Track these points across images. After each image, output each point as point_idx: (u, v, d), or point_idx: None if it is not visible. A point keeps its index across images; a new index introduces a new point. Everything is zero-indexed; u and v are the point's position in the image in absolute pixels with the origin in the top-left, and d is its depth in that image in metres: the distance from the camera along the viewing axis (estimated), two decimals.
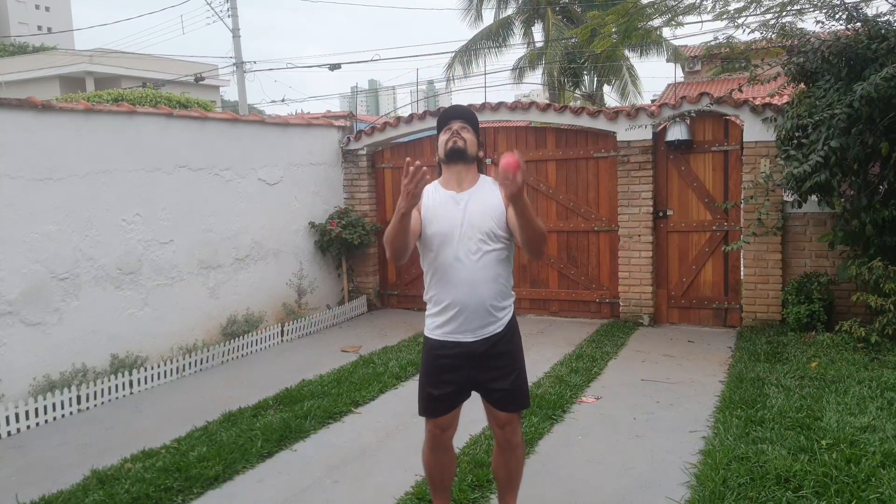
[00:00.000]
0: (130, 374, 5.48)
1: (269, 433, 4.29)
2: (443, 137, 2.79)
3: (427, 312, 2.81)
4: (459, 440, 4.04)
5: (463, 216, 2.68)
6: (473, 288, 2.66)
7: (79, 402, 5.09)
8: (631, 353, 6.15)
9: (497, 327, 2.73)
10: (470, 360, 2.73)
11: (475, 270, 2.66)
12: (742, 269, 6.89)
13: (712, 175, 6.98)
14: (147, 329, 5.87)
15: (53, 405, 4.92)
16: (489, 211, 2.68)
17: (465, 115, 2.84)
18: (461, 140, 2.74)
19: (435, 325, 2.76)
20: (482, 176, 2.82)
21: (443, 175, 2.82)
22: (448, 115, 2.84)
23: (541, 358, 5.95)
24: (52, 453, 4.31)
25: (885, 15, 5.88)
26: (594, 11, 10.48)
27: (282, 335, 7.06)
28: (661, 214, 7.18)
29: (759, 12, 6.72)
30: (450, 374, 2.75)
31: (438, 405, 2.80)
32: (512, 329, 2.81)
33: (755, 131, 6.64)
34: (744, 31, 6.60)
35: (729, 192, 6.91)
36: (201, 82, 22.32)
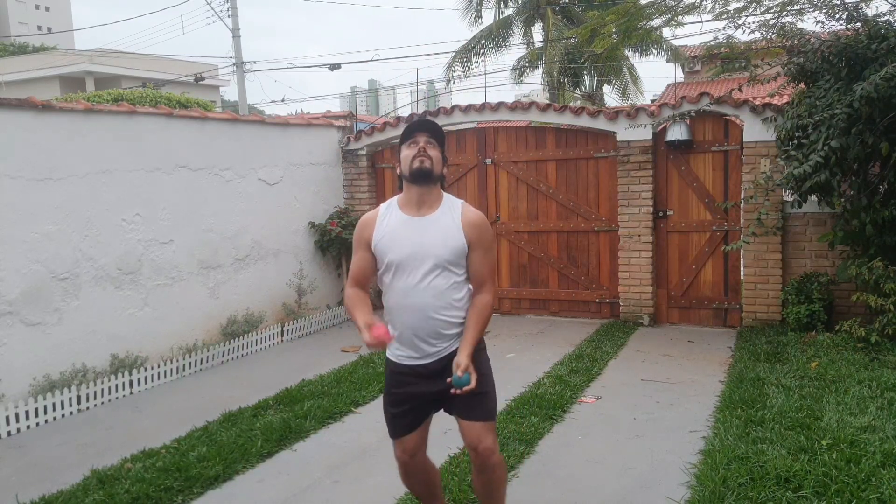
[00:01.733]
0: (130, 374, 5.49)
1: (269, 433, 4.29)
2: (408, 152, 2.63)
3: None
4: (459, 440, 4.03)
5: (419, 242, 2.59)
6: (426, 314, 2.60)
7: (79, 402, 5.09)
8: (631, 353, 6.15)
9: (451, 346, 2.65)
10: (428, 377, 2.66)
11: (427, 297, 2.59)
12: (742, 269, 6.89)
13: (712, 175, 6.98)
14: (147, 329, 5.87)
15: (53, 405, 4.92)
16: (446, 240, 2.60)
17: (431, 129, 2.69)
18: (428, 160, 2.60)
19: (394, 347, 2.70)
20: (445, 196, 2.70)
21: (403, 192, 2.69)
22: (414, 128, 2.67)
23: (541, 358, 5.95)
24: (52, 453, 4.31)
25: (885, 15, 5.88)
26: (594, 11, 10.48)
27: (282, 335, 7.06)
28: (661, 214, 7.18)
29: (759, 12, 6.74)
30: (408, 388, 2.69)
31: (400, 422, 2.73)
32: (477, 350, 2.67)
33: (755, 131, 6.64)
34: (744, 31, 6.61)
35: (729, 192, 6.91)
36: (201, 82, 22.33)
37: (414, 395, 2.70)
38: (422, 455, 2.81)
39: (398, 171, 2.70)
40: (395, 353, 2.72)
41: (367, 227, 2.69)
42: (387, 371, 2.78)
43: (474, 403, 2.64)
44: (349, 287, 2.74)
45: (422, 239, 2.59)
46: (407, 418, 2.73)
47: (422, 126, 2.69)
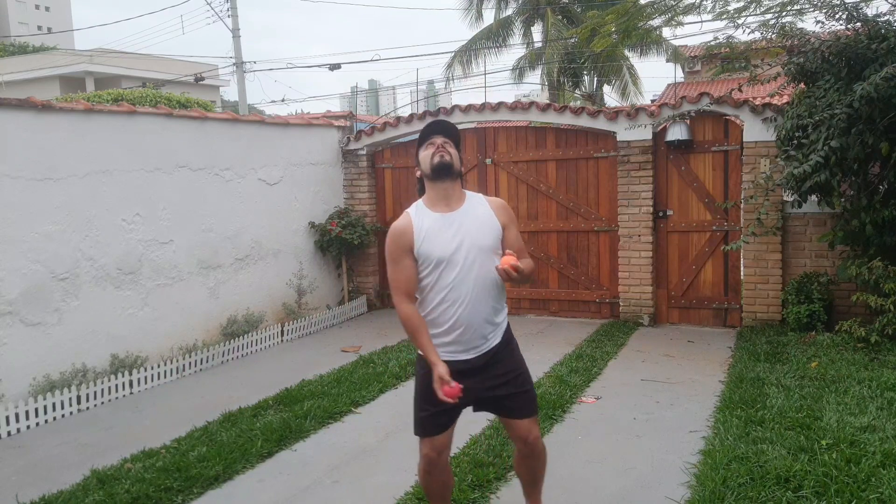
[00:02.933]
0: (130, 374, 5.48)
1: (269, 433, 4.29)
2: (426, 153, 2.71)
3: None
4: (459, 440, 4.05)
5: (460, 236, 2.65)
6: (475, 306, 2.66)
7: (79, 402, 5.09)
8: (631, 353, 6.15)
9: (495, 339, 2.74)
10: (469, 374, 2.68)
11: (477, 288, 2.65)
12: (742, 269, 6.89)
13: (712, 175, 6.98)
14: (147, 329, 5.87)
15: (53, 405, 4.92)
16: (484, 227, 2.69)
17: (447, 129, 2.78)
18: (447, 155, 2.68)
19: (436, 345, 2.68)
20: (467, 192, 2.80)
21: (427, 193, 2.75)
22: (430, 131, 2.76)
23: (541, 358, 5.95)
24: (52, 453, 4.31)
25: (885, 15, 5.88)
26: (594, 11, 10.49)
27: (282, 335, 7.06)
28: (661, 214, 7.18)
29: (759, 12, 6.73)
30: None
31: (437, 420, 2.72)
32: (508, 337, 2.81)
33: (755, 131, 6.64)
34: (744, 31, 6.61)
35: (729, 192, 6.91)
36: (201, 82, 22.33)
37: None
38: (447, 454, 2.82)
39: (418, 173, 2.77)
40: (441, 350, 2.68)
41: (405, 234, 2.68)
42: (423, 367, 2.71)
43: (520, 404, 2.76)
44: (405, 304, 2.69)
45: (463, 231, 2.66)
46: (443, 417, 2.73)
47: (438, 127, 2.78)
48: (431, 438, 2.73)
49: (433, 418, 2.72)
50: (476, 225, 2.69)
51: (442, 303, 2.66)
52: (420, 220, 2.69)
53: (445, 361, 2.63)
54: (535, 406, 2.83)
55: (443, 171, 2.67)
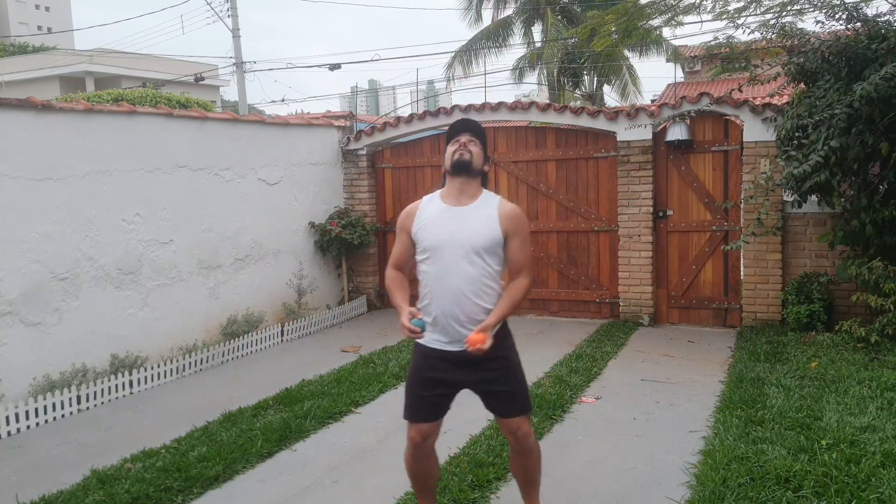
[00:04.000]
0: (130, 374, 5.48)
1: (269, 433, 4.28)
2: (450, 149, 2.84)
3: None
4: (459, 440, 4.05)
5: (456, 230, 2.74)
6: (457, 300, 2.72)
7: (79, 402, 5.08)
8: (631, 353, 6.15)
9: None
10: (460, 364, 2.76)
11: (460, 282, 2.72)
12: (742, 269, 6.89)
13: (712, 175, 6.98)
14: (147, 329, 5.87)
15: (53, 405, 4.92)
16: (483, 229, 2.75)
17: (474, 128, 2.89)
18: (468, 153, 2.79)
19: (427, 331, 2.78)
20: (485, 192, 2.88)
21: (446, 186, 2.88)
22: (457, 128, 2.89)
23: (541, 358, 5.95)
24: (52, 453, 4.31)
25: (885, 15, 5.88)
26: (594, 11, 10.48)
27: (282, 335, 7.06)
28: (661, 214, 7.18)
29: (759, 12, 6.73)
30: (440, 374, 2.79)
31: (425, 406, 2.83)
32: (502, 335, 2.84)
33: (755, 131, 6.64)
34: (744, 31, 6.61)
35: (729, 192, 6.91)
36: (201, 82, 22.32)
37: (443, 381, 2.80)
38: (433, 441, 2.90)
39: (443, 169, 2.91)
40: (428, 338, 2.79)
41: (409, 217, 2.88)
42: (417, 354, 2.86)
43: (507, 403, 2.83)
44: (390, 269, 2.93)
45: (459, 226, 2.75)
46: (432, 403, 2.83)
47: (464, 126, 2.90)
48: (418, 424, 2.83)
49: (420, 402, 2.83)
50: (475, 224, 2.75)
51: (431, 291, 2.78)
52: (427, 207, 2.85)
53: (434, 350, 2.78)
54: (522, 406, 2.86)
55: (460, 168, 2.79)
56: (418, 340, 2.80)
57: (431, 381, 2.80)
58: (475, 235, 2.72)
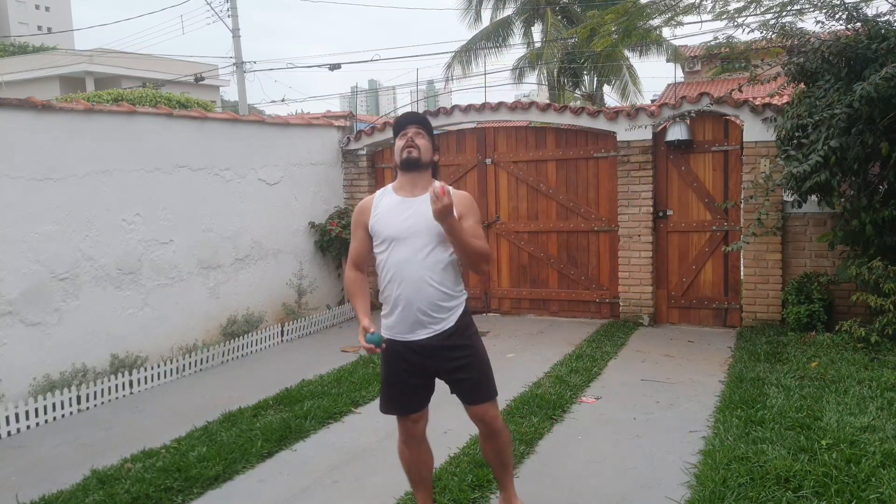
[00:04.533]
0: (130, 374, 5.48)
1: (269, 433, 4.29)
2: (399, 143, 2.89)
3: (381, 313, 2.94)
4: (459, 440, 4.05)
5: (413, 219, 2.80)
6: (420, 287, 2.78)
7: (79, 402, 5.09)
8: (631, 353, 6.15)
9: (447, 323, 2.84)
10: (423, 354, 2.84)
11: (421, 270, 2.78)
12: (742, 269, 6.89)
13: (712, 175, 6.98)
14: (147, 329, 5.87)
15: (53, 405, 4.92)
16: None
17: (419, 120, 2.95)
18: (416, 150, 2.84)
19: (387, 326, 2.88)
20: (435, 182, 2.86)
21: (398, 179, 2.94)
22: (403, 122, 2.94)
23: (541, 358, 5.95)
24: (52, 453, 4.31)
25: (885, 15, 5.88)
26: (594, 11, 10.49)
27: (282, 335, 7.06)
28: (661, 214, 7.18)
29: (759, 12, 6.73)
30: (405, 367, 2.87)
31: (404, 398, 2.91)
32: (465, 323, 2.90)
33: (755, 131, 6.64)
34: (744, 31, 6.60)
35: (729, 192, 6.91)
36: (201, 82, 22.32)
37: (414, 371, 2.86)
38: (422, 429, 2.98)
39: (393, 163, 2.97)
40: (391, 332, 2.86)
41: (363, 211, 2.94)
42: (384, 351, 2.88)
43: (472, 389, 2.90)
44: (349, 269, 2.99)
45: (416, 215, 2.80)
46: (409, 394, 2.91)
47: (409, 119, 2.96)
48: (401, 416, 2.94)
49: (397, 395, 2.92)
50: (429, 212, 2.76)
51: (390, 281, 2.83)
52: (381, 200, 2.91)
53: (398, 342, 2.85)
54: (486, 393, 2.92)
55: (410, 165, 2.86)
56: (385, 335, 2.85)
57: (403, 372, 2.88)
58: (433, 222, 2.72)
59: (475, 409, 2.92)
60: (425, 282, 2.77)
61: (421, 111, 8.30)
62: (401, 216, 2.82)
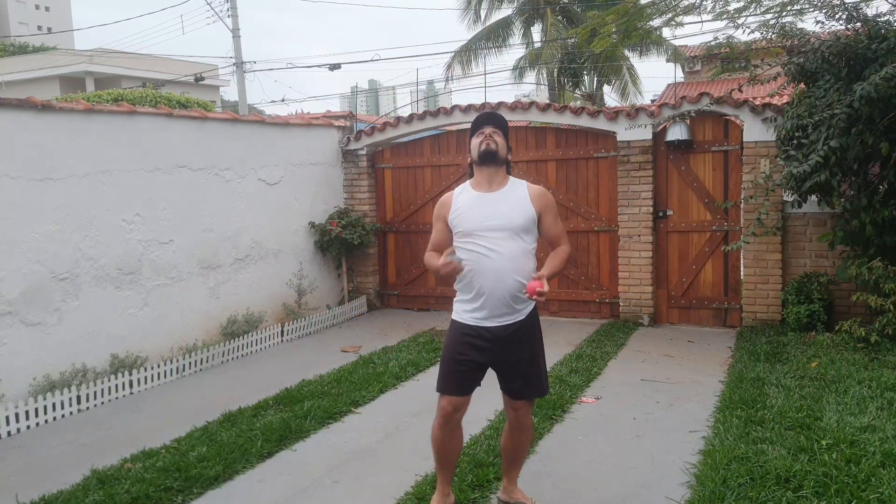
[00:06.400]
0: (130, 374, 5.48)
1: (269, 433, 4.29)
2: (475, 140, 3.03)
3: (456, 299, 3.08)
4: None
5: (493, 213, 2.95)
6: (500, 278, 2.90)
7: (79, 402, 5.08)
8: (631, 353, 6.15)
9: (520, 315, 2.97)
10: (492, 341, 2.95)
11: (503, 260, 2.91)
12: (742, 269, 6.89)
13: (712, 175, 6.98)
14: (147, 329, 5.87)
15: (53, 405, 4.92)
16: (517, 208, 2.97)
17: (497, 120, 3.07)
18: (493, 143, 2.99)
19: (464, 311, 3.01)
20: (511, 177, 3.09)
21: (474, 176, 3.09)
22: (481, 121, 3.07)
23: None
24: (52, 453, 4.31)
25: (885, 15, 5.88)
26: (594, 11, 10.49)
27: (282, 335, 7.06)
28: (661, 214, 7.18)
29: (759, 12, 6.73)
30: (475, 350, 2.96)
31: (458, 380, 2.98)
32: (533, 320, 3.04)
33: (755, 131, 6.64)
34: (744, 31, 6.60)
35: (729, 192, 6.91)
36: (201, 82, 22.31)
37: (476, 357, 2.96)
38: (461, 415, 3.05)
39: (469, 160, 3.12)
40: (465, 315, 3.00)
41: (444, 206, 3.11)
42: (453, 331, 3.04)
43: (523, 386, 3.03)
44: (427, 253, 3.16)
45: (495, 209, 2.96)
46: (465, 378, 2.99)
47: (488, 118, 3.09)
48: (450, 396, 2.99)
49: (455, 376, 2.98)
50: (509, 205, 2.97)
51: (472, 272, 2.94)
52: (461, 195, 3.06)
53: (471, 326, 2.97)
54: (537, 391, 3.07)
55: (488, 157, 3.00)
56: (456, 318, 3.01)
57: (466, 356, 2.96)
58: (513, 215, 2.93)
59: (519, 402, 3.05)
60: (505, 272, 2.90)
61: (421, 111, 8.29)
62: (480, 212, 2.95)
